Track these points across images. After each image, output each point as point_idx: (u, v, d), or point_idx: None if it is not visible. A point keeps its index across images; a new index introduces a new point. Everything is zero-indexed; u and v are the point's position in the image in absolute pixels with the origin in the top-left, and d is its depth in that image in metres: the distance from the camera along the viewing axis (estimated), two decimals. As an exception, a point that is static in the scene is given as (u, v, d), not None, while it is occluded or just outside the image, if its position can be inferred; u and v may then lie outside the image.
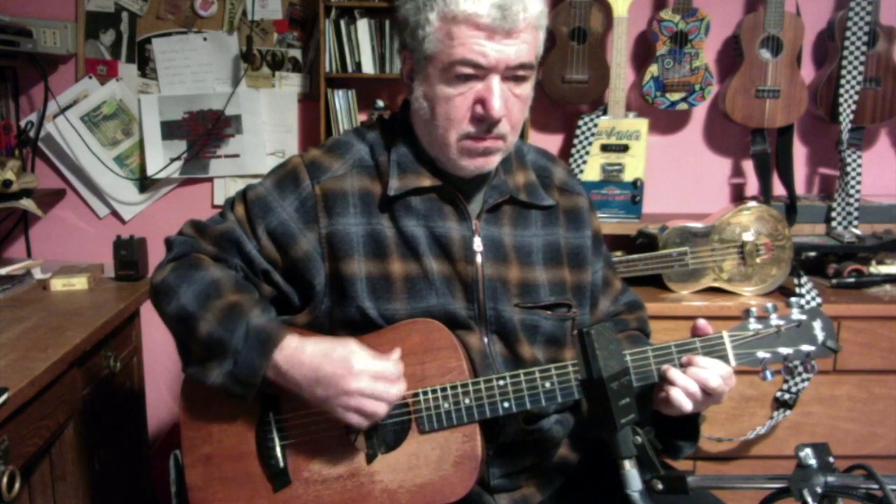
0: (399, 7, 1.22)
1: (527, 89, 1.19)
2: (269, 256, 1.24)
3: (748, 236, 2.16)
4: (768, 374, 1.16)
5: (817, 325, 1.17)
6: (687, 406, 1.12)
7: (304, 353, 1.13)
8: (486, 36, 1.11)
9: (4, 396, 1.27)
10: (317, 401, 1.13)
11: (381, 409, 1.11)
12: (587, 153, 2.40)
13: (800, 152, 2.60)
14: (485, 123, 1.16)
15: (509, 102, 1.16)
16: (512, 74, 1.15)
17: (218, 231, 1.26)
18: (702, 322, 1.18)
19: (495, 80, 1.14)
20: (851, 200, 2.42)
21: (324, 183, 1.24)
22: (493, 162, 1.22)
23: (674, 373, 1.13)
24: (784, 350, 1.15)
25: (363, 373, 1.10)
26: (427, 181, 1.23)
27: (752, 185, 2.60)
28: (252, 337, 1.13)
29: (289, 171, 1.27)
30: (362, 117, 2.45)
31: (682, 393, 1.12)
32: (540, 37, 1.18)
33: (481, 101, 1.15)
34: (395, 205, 1.23)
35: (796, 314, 1.17)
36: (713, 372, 1.13)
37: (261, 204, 1.25)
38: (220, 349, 1.14)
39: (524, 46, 1.13)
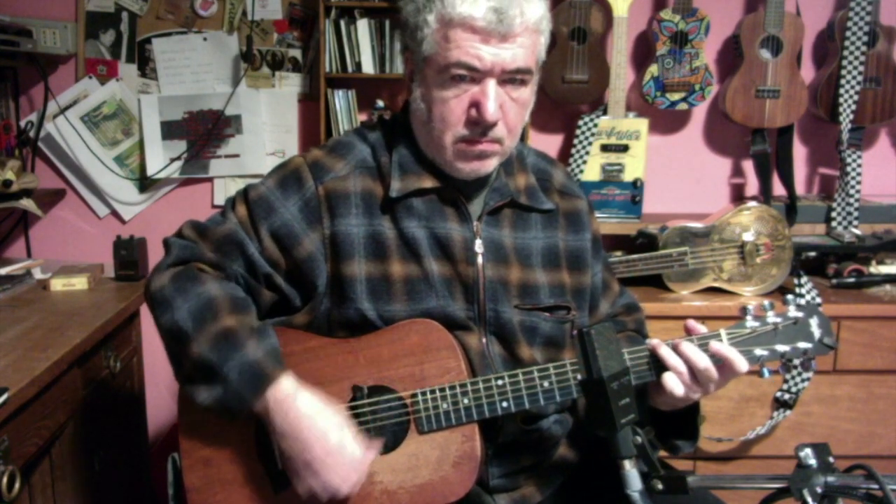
0: (401, 9, 1.22)
1: (525, 94, 1.19)
2: (271, 258, 1.24)
3: (748, 236, 2.16)
4: (766, 371, 1.16)
5: (814, 323, 1.17)
6: (678, 390, 1.12)
7: (295, 404, 1.12)
8: (481, 39, 1.11)
9: (4, 396, 1.27)
10: (280, 450, 1.14)
11: (325, 492, 1.11)
12: (587, 153, 2.40)
13: (800, 152, 2.60)
14: (479, 127, 1.16)
15: (506, 106, 1.16)
16: (509, 78, 1.15)
17: (219, 234, 1.25)
18: (691, 322, 1.18)
19: (491, 84, 1.14)
20: (851, 200, 2.42)
21: (327, 183, 1.24)
22: (490, 165, 1.21)
23: (664, 350, 1.14)
24: (781, 347, 1.15)
25: (334, 452, 1.10)
26: (428, 183, 1.23)
27: (752, 185, 2.61)
28: (246, 373, 1.12)
29: (291, 171, 1.27)
30: (362, 117, 2.45)
31: (673, 375, 1.13)
32: (541, 41, 1.18)
33: (476, 104, 1.15)
34: (396, 206, 1.22)
35: (793, 312, 1.17)
36: (701, 353, 1.13)
37: (263, 204, 1.24)
38: (210, 374, 1.14)
39: (521, 51, 1.13)
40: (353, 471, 1.12)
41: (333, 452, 1.10)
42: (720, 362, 1.13)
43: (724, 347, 1.13)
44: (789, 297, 1.18)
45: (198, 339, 1.15)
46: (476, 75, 1.14)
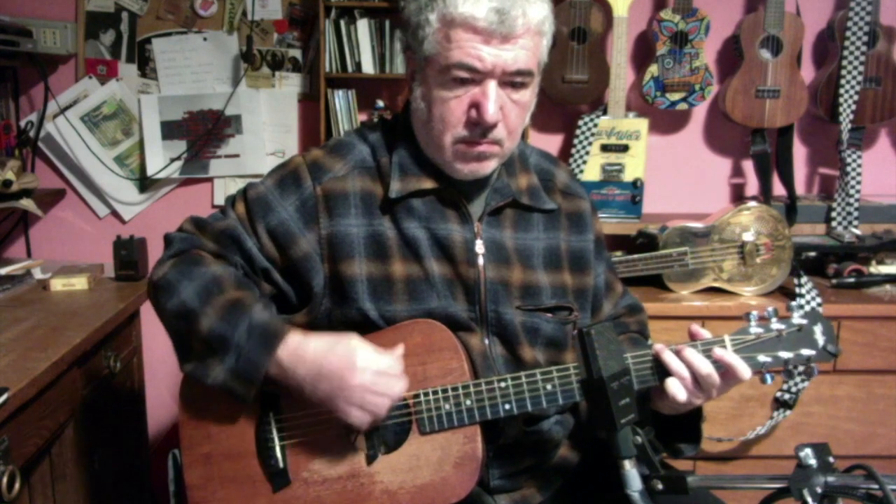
0: (403, 7, 1.22)
1: (526, 95, 1.18)
2: (269, 255, 1.24)
3: (748, 236, 2.16)
4: (768, 377, 1.15)
5: (818, 330, 1.16)
6: (681, 395, 1.12)
7: (308, 350, 1.12)
8: (482, 40, 1.11)
9: (4, 396, 1.27)
10: (318, 398, 1.12)
11: (383, 404, 1.11)
12: (587, 153, 2.40)
13: (800, 152, 2.60)
14: (479, 128, 1.16)
15: (506, 108, 1.16)
16: (510, 80, 1.14)
17: (218, 228, 1.25)
18: (695, 327, 1.18)
19: (491, 85, 1.13)
20: (851, 200, 2.42)
21: (325, 184, 1.24)
22: (489, 167, 1.21)
23: (668, 355, 1.13)
24: (785, 354, 1.15)
25: (366, 368, 1.10)
26: (428, 184, 1.22)
27: (752, 185, 2.61)
28: (255, 333, 1.12)
29: (290, 170, 1.27)
30: (362, 117, 2.45)
31: (675, 381, 1.12)
32: (543, 43, 1.17)
33: (476, 105, 1.14)
34: (396, 207, 1.22)
35: (797, 318, 1.16)
36: (704, 359, 1.13)
37: (261, 203, 1.25)
38: (221, 345, 1.13)
39: (523, 52, 1.13)
40: (390, 379, 1.11)
41: (364, 373, 1.09)
42: (723, 369, 1.13)
43: (727, 354, 1.13)
44: (793, 303, 1.17)
45: (206, 312, 1.15)
46: (477, 76, 1.13)
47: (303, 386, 1.12)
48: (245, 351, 1.12)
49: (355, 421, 1.12)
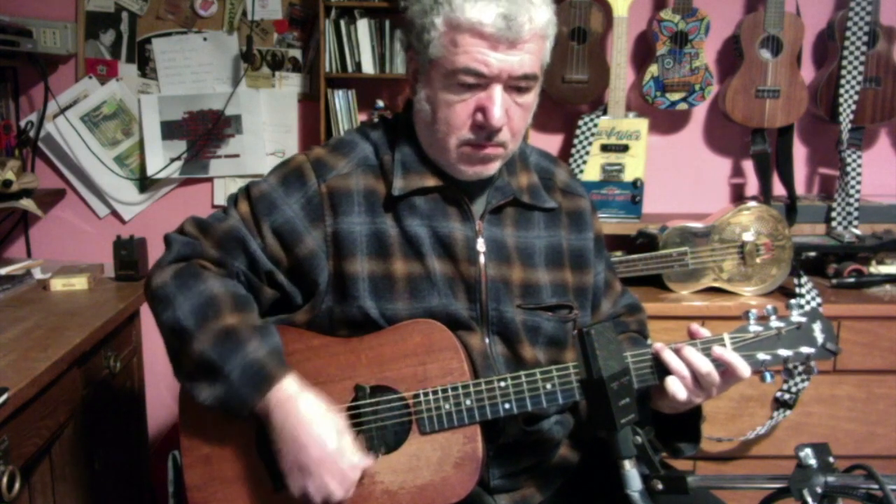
0: (407, 8, 1.21)
1: (530, 98, 1.19)
2: (273, 255, 1.23)
3: (748, 236, 2.16)
4: (768, 375, 1.16)
5: (817, 327, 1.17)
6: (681, 394, 1.12)
7: (296, 407, 1.12)
8: (489, 45, 1.11)
9: (4, 396, 1.27)
10: (277, 450, 1.13)
11: (319, 494, 1.11)
12: (587, 153, 2.40)
13: (800, 152, 2.60)
14: (485, 131, 1.16)
15: (511, 111, 1.16)
16: (515, 84, 1.15)
17: (221, 230, 1.24)
18: (695, 326, 1.18)
19: (497, 90, 1.14)
20: (851, 200, 2.42)
21: (329, 181, 1.24)
22: (492, 168, 1.22)
23: (667, 354, 1.13)
24: (784, 352, 1.15)
25: (341, 451, 1.10)
26: (431, 181, 1.22)
27: (752, 185, 2.61)
28: (248, 372, 1.12)
29: (293, 168, 1.27)
30: (362, 117, 2.45)
31: (676, 380, 1.12)
32: (547, 46, 1.18)
33: (482, 109, 1.14)
34: (398, 204, 1.22)
35: (796, 316, 1.17)
36: (704, 358, 1.13)
37: (266, 201, 1.24)
38: (211, 372, 1.13)
39: (528, 57, 1.13)
40: (347, 477, 1.12)
41: (330, 457, 1.10)
42: (723, 367, 1.13)
43: (726, 353, 1.13)
44: (793, 301, 1.18)
45: (199, 336, 1.14)
46: (483, 81, 1.13)
47: (274, 432, 1.13)
48: (234, 387, 1.12)
49: (295, 490, 1.12)
